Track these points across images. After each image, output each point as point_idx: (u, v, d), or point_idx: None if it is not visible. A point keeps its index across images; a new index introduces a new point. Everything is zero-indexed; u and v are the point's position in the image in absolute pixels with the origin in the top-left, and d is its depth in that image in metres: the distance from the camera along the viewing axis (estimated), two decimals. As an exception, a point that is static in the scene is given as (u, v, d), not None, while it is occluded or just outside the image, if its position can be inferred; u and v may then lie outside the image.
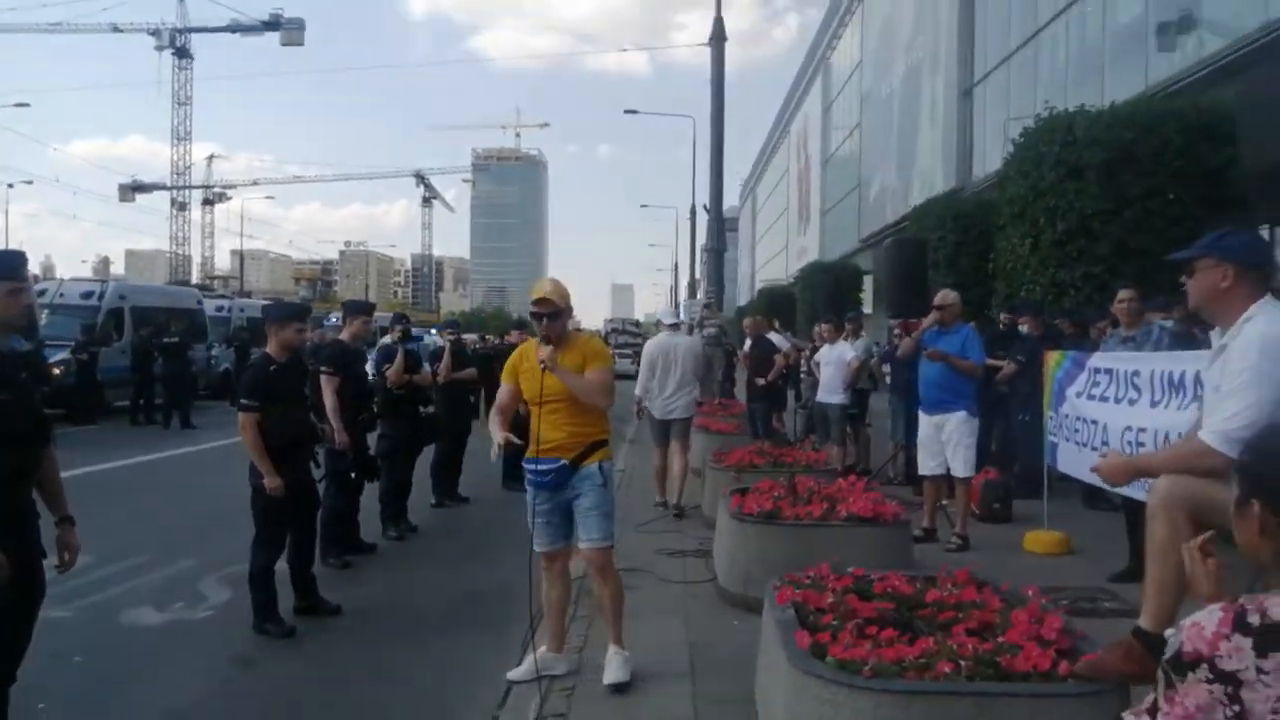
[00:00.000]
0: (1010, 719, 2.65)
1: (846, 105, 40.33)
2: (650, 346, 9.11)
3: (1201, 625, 1.37)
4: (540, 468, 4.37)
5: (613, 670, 4.38)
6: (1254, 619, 1.35)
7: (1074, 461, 6.61)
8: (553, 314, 4.37)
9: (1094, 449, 6.14)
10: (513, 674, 4.51)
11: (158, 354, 16.97)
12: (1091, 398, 6.31)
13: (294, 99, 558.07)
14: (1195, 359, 5.32)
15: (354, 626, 5.65)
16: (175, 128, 79.37)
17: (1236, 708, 1.31)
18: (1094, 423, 6.21)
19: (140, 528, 8.19)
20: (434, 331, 10.05)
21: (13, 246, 32.16)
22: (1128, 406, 5.82)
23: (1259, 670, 1.31)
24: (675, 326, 9.32)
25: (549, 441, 4.34)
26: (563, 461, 4.33)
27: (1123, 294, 6.97)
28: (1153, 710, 1.41)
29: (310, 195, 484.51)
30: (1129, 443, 5.68)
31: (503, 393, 4.61)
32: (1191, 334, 6.14)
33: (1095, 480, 6.29)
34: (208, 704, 4.49)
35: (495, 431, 4.42)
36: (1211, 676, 1.34)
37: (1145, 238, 9.01)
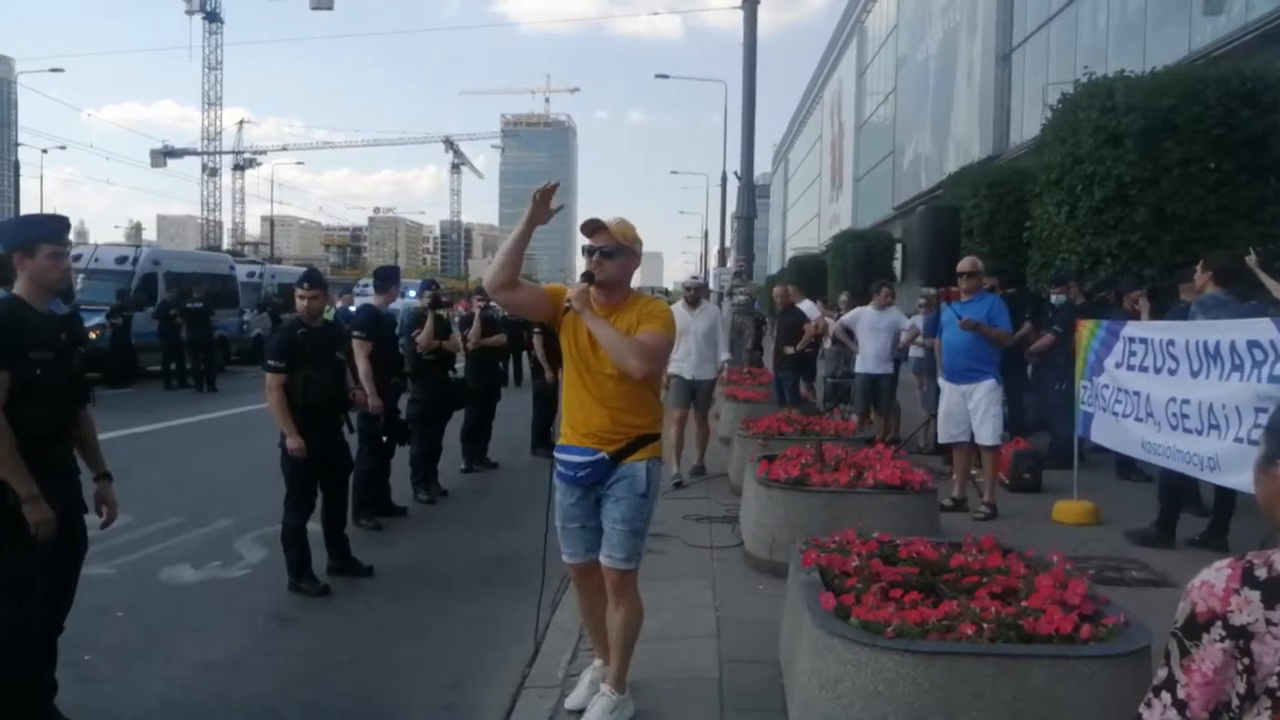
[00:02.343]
0: (1031, 680, 2.67)
1: (881, 70, 39.70)
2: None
3: (1211, 583, 1.38)
4: (572, 459, 3.48)
5: (592, 713, 3.60)
6: (1261, 572, 1.36)
7: (1111, 432, 6.56)
8: (607, 251, 3.42)
9: (1138, 420, 6.09)
10: (570, 701, 3.82)
11: (180, 318, 17.21)
12: (1131, 368, 6.23)
13: (323, 64, 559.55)
14: (1229, 328, 5.26)
15: (385, 586, 5.76)
16: (206, 93, 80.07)
17: (1246, 660, 1.32)
18: (1136, 394, 6.13)
19: (176, 489, 8.36)
20: (412, 294, 10.31)
21: (49, 211, 32.82)
22: (1168, 377, 5.74)
23: (1268, 622, 1.32)
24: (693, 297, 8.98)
25: (587, 427, 3.46)
26: (601, 454, 3.43)
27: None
28: (1169, 685, 1.38)
29: (340, 161, 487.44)
30: (1173, 414, 5.62)
31: (533, 287, 3.69)
32: (1225, 304, 5.97)
33: (1132, 451, 6.26)
34: (244, 658, 4.62)
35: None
36: (1224, 634, 1.34)
37: (1183, 205, 8.88)
